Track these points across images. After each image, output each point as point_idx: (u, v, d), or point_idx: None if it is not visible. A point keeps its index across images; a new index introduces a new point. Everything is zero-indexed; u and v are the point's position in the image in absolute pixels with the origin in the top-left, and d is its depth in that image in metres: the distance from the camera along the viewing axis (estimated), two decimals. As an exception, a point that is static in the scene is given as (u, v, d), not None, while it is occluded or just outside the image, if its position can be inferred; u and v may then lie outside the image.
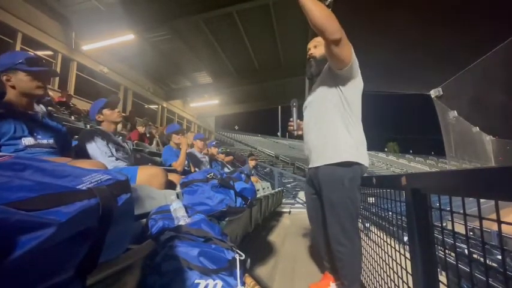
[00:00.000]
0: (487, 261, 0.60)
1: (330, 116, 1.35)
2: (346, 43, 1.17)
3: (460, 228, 0.69)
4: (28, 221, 0.34)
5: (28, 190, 0.39)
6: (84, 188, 0.48)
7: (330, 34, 1.11)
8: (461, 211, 0.61)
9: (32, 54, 1.37)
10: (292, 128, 1.63)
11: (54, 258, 0.38)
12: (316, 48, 1.47)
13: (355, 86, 1.34)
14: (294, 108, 1.62)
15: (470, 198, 0.58)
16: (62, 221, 0.37)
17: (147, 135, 5.94)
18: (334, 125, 1.33)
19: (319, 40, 1.44)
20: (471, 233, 0.68)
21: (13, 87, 1.29)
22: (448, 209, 0.69)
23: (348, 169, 1.29)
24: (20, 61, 1.27)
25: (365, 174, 1.36)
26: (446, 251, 0.75)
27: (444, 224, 0.76)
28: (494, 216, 0.51)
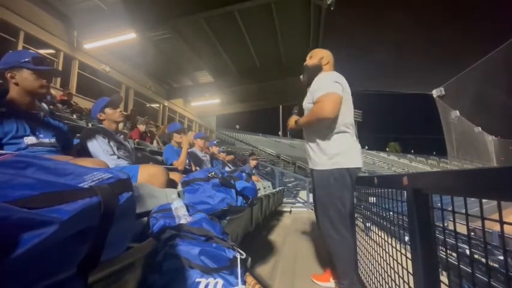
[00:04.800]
0: (484, 260, 0.60)
1: (309, 132, 1.62)
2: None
3: (460, 229, 0.68)
4: (30, 218, 0.34)
5: (30, 188, 0.39)
6: (86, 186, 0.48)
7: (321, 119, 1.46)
8: (462, 211, 0.61)
9: (37, 53, 1.38)
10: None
11: (56, 256, 0.38)
12: (311, 58, 1.70)
13: None
14: (295, 112, 1.79)
15: (472, 199, 0.57)
16: (64, 219, 0.37)
17: (148, 134, 5.94)
18: (315, 137, 1.57)
19: (314, 53, 1.71)
20: (472, 234, 0.68)
21: (17, 84, 1.29)
22: (449, 209, 0.68)
23: (332, 172, 1.50)
24: (26, 59, 1.28)
25: (360, 173, 1.56)
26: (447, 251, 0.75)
27: (445, 224, 0.76)
28: (495, 216, 0.51)
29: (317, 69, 1.64)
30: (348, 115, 1.53)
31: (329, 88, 1.43)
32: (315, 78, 1.59)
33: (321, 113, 1.42)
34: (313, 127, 1.56)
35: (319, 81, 1.52)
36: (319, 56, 1.66)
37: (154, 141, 5.80)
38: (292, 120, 1.69)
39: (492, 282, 0.58)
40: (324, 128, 1.52)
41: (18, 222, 0.32)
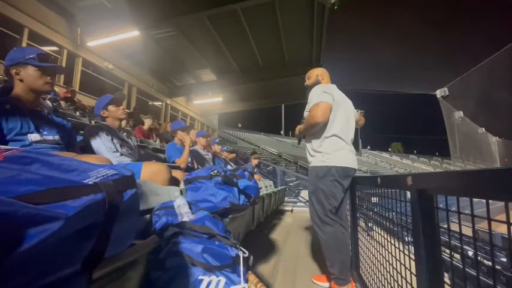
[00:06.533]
0: (487, 262, 0.59)
1: (307, 135, 1.83)
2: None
3: (463, 230, 0.68)
4: (36, 214, 0.34)
5: (36, 184, 0.39)
6: (90, 182, 0.48)
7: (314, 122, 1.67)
8: (465, 212, 0.60)
9: (41, 50, 1.39)
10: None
11: (61, 252, 0.38)
12: (309, 79, 1.95)
13: None
14: (302, 122, 1.94)
15: (476, 199, 0.57)
16: (69, 214, 0.37)
17: (152, 132, 5.92)
18: (311, 139, 1.79)
19: (310, 73, 1.96)
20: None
21: (21, 80, 1.30)
22: (453, 209, 0.68)
23: (321, 168, 1.67)
24: (31, 56, 1.29)
25: (356, 173, 1.76)
26: (447, 252, 0.75)
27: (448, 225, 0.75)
28: (499, 217, 0.51)
29: (316, 85, 1.83)
30: (339, 121, 1.70)
31: (319, 98, 1.65)
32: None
33: (313, 119, 1.64)
34: (309, 132, 1.78)
35: (312, 93, 1.73)
36: (315, 74, 1.91)
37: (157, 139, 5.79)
38: (297, 128, 1.95)
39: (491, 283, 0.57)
40: (318, 132, 1.72)
41: (24, 218, 0.32)
